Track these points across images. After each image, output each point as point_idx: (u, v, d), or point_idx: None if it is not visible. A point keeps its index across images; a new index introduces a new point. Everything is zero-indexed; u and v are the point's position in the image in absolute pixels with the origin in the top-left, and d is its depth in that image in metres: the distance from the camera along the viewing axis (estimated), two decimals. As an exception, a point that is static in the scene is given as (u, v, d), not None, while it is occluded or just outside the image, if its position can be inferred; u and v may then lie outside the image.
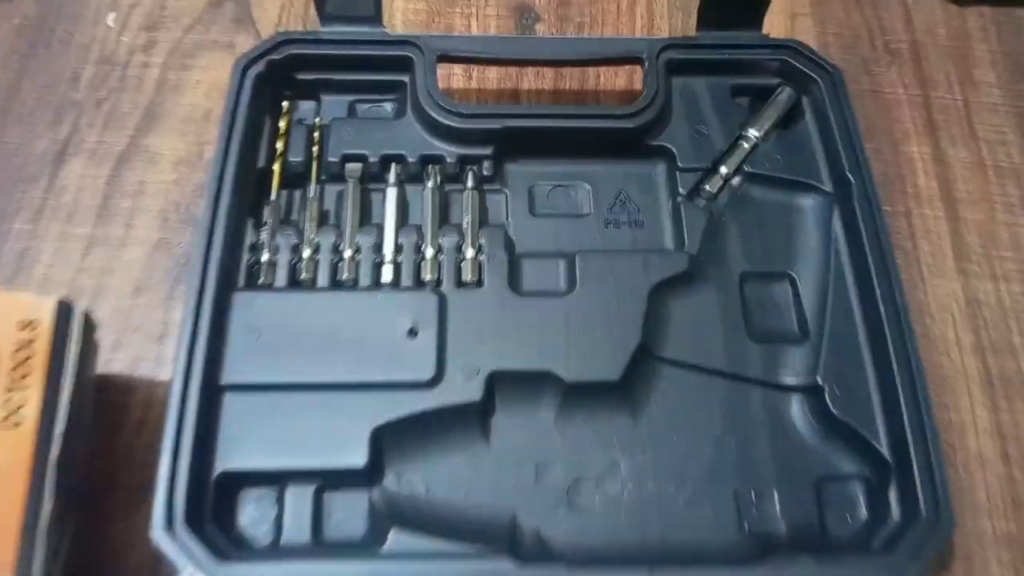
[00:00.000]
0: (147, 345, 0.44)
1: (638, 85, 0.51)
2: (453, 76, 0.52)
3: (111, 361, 0.43)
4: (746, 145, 0.47)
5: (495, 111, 0.46)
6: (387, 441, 0.39)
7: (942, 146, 0.51)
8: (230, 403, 0.38)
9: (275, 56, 0.46)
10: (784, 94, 0.49)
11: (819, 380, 0.41)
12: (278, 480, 0.38)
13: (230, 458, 0.37)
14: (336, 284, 0.43)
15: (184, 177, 0.48)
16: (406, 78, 0.47)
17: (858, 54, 0.55)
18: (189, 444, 0.36)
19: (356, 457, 0.37)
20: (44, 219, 0.47)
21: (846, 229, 0.45)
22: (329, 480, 0.38)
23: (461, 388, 0.39)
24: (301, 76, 0.47)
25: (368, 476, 0.38)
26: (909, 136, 0.52)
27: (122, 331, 0.44)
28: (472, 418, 0.39)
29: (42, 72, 0.52)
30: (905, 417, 0.38)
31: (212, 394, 0.38)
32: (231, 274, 0.41)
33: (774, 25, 0.53)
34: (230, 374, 0.39)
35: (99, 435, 0.40)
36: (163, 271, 0.45)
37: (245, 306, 0.40)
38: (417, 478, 0.39)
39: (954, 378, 0.44)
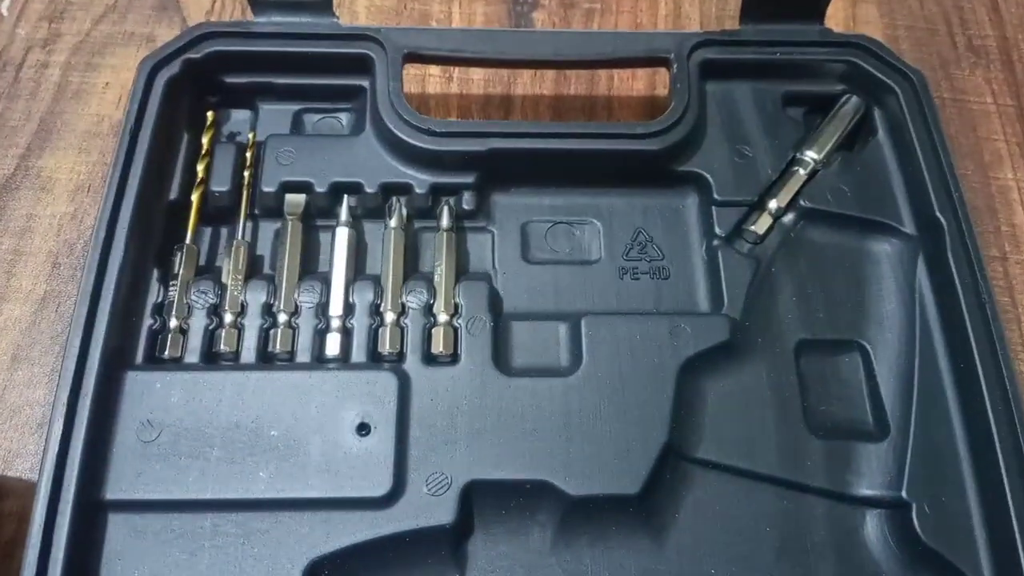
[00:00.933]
0: (24, 436, 0.34)
1: (661, 89, 0.41)
2: (429, 78, 0.41)
3: (-22, 456, 0.33)
4: (802, 172, 0.37)
5: (479, 128, 0.36)
6: (328, 578, 0.29)
7: (1045, 172, 0.41)
8: (116, 526, 0.29)
9: (193, 54, 0.35)
10: (850, 104, 0.38)
11: (903, 494, 0.31)
12: (179, 631, 0.28)
13: (114, 603, 0.28)
14: (266, 359, 0.32)
15: (83, 208, 0.38)
16: (365, 82, 0.37)
17: (934, 52, 0.44)
18: (57, 584, 0.27)
19: (285, 602, 0.28)
20: (-97, 261, 0.37)
21: (935, 282, 0.35)
22: (249, 630, 0.28)
23: (427, 506, 0.30)
24: (230, 79, 0.37)
25: (300, 626, 0.29)
26: (1001, 159, 0.41)
27: (-6, 414, 0.34)
28: (442, 545, 0.30)
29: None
30: (1021, 548, 0.28)
31: (90, 514, 0.29)
32: (125, 346, 0.31)
33: (830, 14, 0.43)
34: (117, 487, 0.29)
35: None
36: (49, 336, 0.36)
37: (141, 391, 0.30)
38: (368, 623, 0.30)
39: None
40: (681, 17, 0.44)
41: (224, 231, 0.36)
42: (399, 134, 0.35)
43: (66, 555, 0.27)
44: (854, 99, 0.38)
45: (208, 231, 0.35)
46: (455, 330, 0.33)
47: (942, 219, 0.34)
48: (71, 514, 0.28)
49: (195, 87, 0.36)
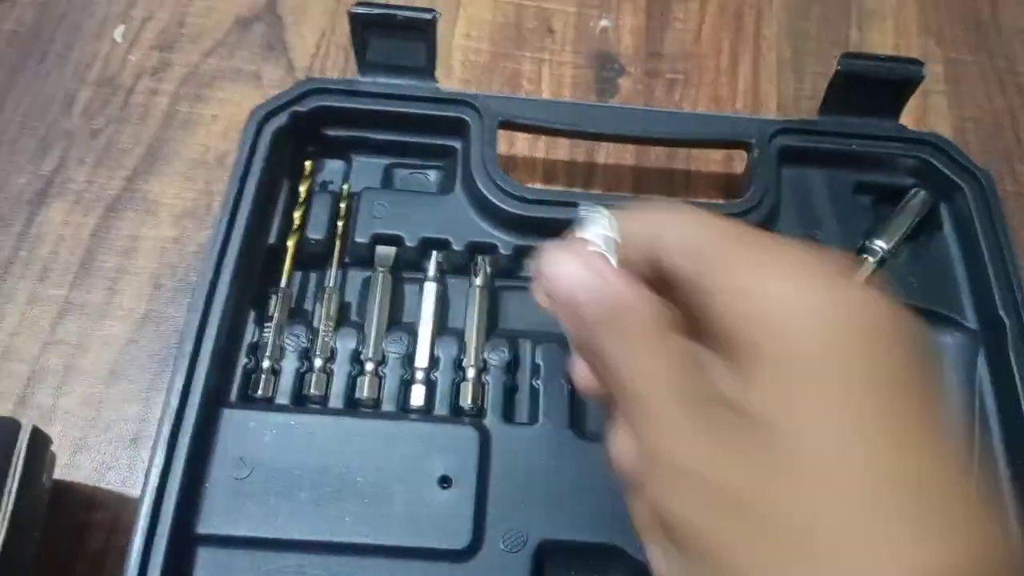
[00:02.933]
0: (117, 449, 0.35)
1: (738, 166, 0.42)
2: (517, 140, 0.43)
3: (72, 467, 0.35)
4: (871, 260, 0.38)
5: (565, 198, 0.37)
6: (402, 624, 0.30)
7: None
8: (205, 561, 0.30)
9: (300, 108, 0.37)
10: (918, 199, 0.40)
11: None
12: (259, 666, 0.29)
13: (201, 634, 0.29)
14: (352, 405, 0.34)
15: (186, 235, 0.40)
16: (458, 144, 0.39)
17: (1000, 146, 0.46)
18: (151, 615, 0.28)
19: (361, 645, 0.29)
20: (12, 275, 0.39)
21: (996, 378, 0.36)
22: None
23: (503, 562, 0.31)
24: (330, 132, 0.39)
25: (376, 667, 0.30)
26: (1066, 257, 0.42)
27: (89, 428, 0.36)
28: None
29: (30, 91, 0.44)
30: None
31: (183, 547, 0.30)
32: (222, 385, 0.33)
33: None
34: (209, 522, 0.30)
35: (50, 563, 0.32)
36: (146, 354, 0.37)
37: (236, 429, 0.32)
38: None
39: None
40: (760, 93, 0.46)
41: (314, 277, 0.37)
42: (490, 196, 0.37)
43: (159, 584, 0.29)
44: (922, 194, 0.40)
45: (299, 276, 0.37)
46: (535, 390, 0.35)
47: (1005, 317, 0.36)
48: (166, 546, 0.29)
49: (298, 137, 0.38)
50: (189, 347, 0.32)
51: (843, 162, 0.40)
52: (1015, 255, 0.37)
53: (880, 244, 0.39)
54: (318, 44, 0.46)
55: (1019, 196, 0.44)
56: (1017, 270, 0.37)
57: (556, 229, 0.37)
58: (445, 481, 0.32)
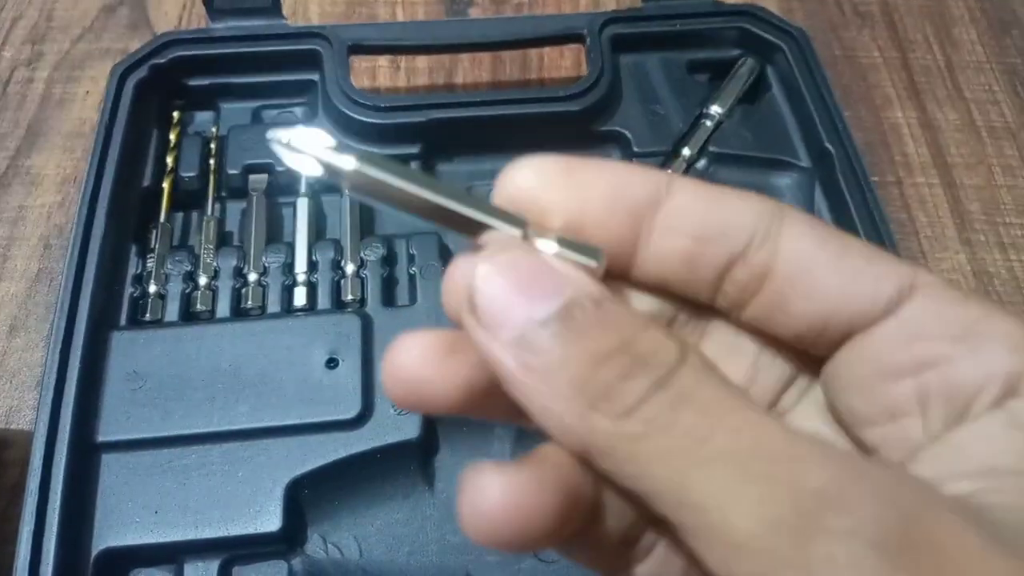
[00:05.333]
0: (24, 393, 0.37)
1: (586, 69, 0.46)
2: (379, 70, 0.46)
3: (-19, 417, 0.36)
4: (709, 124, 0.42)
5: (419, 102, 0.40)
6: (307, 497, 0.32)
7: (928, 109, 0.46)
8: (109, 465, 0.32)
9: (159, 60, 0.40)
10: (745, 67, 0.43)
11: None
12: (174, 556, 0.31)
13: (112, 533, 0.31)
14: (239, 314, 0.36)
15: (70, 198, 0.42)
16: (315, 76, 0.41)
17: (825, 19, 0.50)
18: (58, 518, 0.30)
19: (269, 520, 0.31)
20: (-94, 258, 0.40)
21: (832, 206, 0.39)
22: (237, 551, 0.31)
23: (394, 424, 0.33)
24: (193, 82, 0.41)
25: (285, 541, 0.32)
26: (891, 101, 0.46)
27: (-6, 379, 0.37)
28: (410, 460, 0.33)
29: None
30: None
31: (86, 455, 0.31)
32: (109, 311, 0.35)
33: (731, -6, 0.48)
34: (108, 430, 0.32)
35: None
36: (43, 307, 0.39)
37: (126, 347, 0.33)
38: (347, 539, 0.33)
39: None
40: (599, 7, 0.50)
41: (195, 215, 0.40)
42: (348, 112, 0.39)
43: (64, 493, 0.30)
44: (749, 61, 0.43)
45: (180, 216, 0.39)
46: (412, 277, 0.37)
47: (831, 148, 0.39)
48: (67, 455, 0.30)
49: (162, 90, 0.41)
50: (71, 277, 0.34)
51: (672, 44, 0.43)
52: (834, 96, 0.40)
53: (715, 109, 0.42)
54: (180, 17, 0.48)
55: (847, 58, 0.48)
56: (839, 108, 0.40)
57: (415, 134, 0.40)
58: (331, 362, 0.34)
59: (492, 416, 0.16)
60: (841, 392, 0.16)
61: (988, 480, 0.13)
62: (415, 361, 0.15)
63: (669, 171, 0.40)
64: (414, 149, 0.40)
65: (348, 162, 0.15)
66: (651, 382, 0.13)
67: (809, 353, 0.16)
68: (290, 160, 0.15)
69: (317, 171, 0.15)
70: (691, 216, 0.15)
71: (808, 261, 0.15)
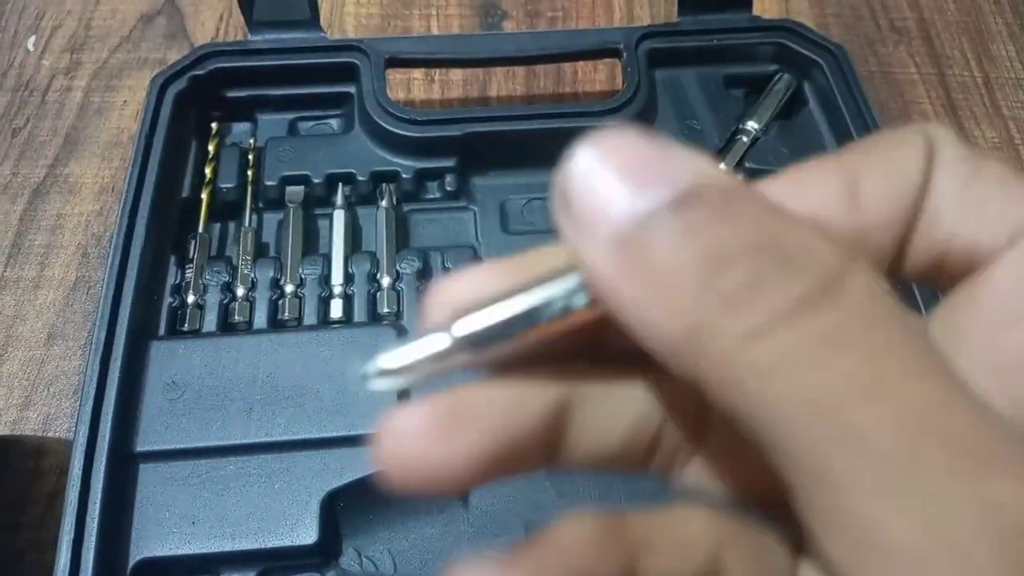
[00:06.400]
0: (61, 401, 0.37)
1: (621, 83, 0.46)
2: (413, 83, 0.46)
3: (20, 421, 0.37)
4: (745, 139, 0.41)
5: (455, 115, 0.40)
6: (343, 510, 0.32)
7: (966, 127, 0.45)
8: (147, 475, 0.32)
9: (198, 71, 0.40)
10: (782, 82, 0.43)
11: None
12: (210, 567, 0.31)
13: (149, 543, 0.31)
14: (276, 325, 0.36)
15: (108, 207, 0.42)
16: (352, 88, 0.42)
17: (861, 34, 0.49)
18: (96, 528, 0.30)
19: (305, 533, 0.31)
20: (-53, 264, 0.41)
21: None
22: (273, 563, 0.31)
23: (428, 440, 0.32)
24: (231, 94, 0.41)
25: (321, 554, 0.32)
26: (928, 117, 0.46)
27: (33, 386, 0.37)
28: None
29: (-49, 105, 0.46)
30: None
31: (124, 465, 0.32)
32: (148, 321, 0.35)
33: (766, 10, 0.48)
34: (146, 440, 0.32)
35: (4, 508, 0.34)
36: (81, 315, 0.39)
37: (164, 357, 0.34)
38: (382, 553, 0.33)
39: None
40: (633, 20, 0.50)
41: (232, 226, 0.40)
42: (384, 125, 0.39)
43: (103, 503, 0.30)
44: (786, 76, 0.43)
45: (218, 227, 0.39)
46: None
47: (871, 167, 0.39)
48: (106, 465, 0.31)
49: (201, 101, 0.41)
50: (112, 287, 0.34)
51: (709, 59, 0.43)
52: (873, 112, 0.40)
53: (752, 125, 0.42)
54: (217, 27, 0.49)
55: (883, 74, 0.48)
56: (878, 125, 0.40)
57: (450, 147, 0.40)
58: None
59: (515, 474, 0.14)
60: (952, 353, 0.12)
61: None
62: (417, 442, 0.12)
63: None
64: (450, 163, 0.40)
65: (444, 340, 0.13)
66: (797, 296, 0.10)
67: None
68: (394, 383, 0.13)
69: (431, 372, 0.13)
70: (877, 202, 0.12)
71: (938, 190, 0.12)
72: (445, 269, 0.38)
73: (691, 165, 0.11)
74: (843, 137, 0.40)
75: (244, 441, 0.32)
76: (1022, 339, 0.12)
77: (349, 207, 0.40)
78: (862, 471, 0.10)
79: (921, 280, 0.13)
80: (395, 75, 0.45)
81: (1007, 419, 0.11)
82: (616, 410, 0.13)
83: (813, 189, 0.12)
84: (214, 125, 0.41)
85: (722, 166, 0.40)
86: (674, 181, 0.11)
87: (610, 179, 0.11)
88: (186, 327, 0.36)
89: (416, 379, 0.13)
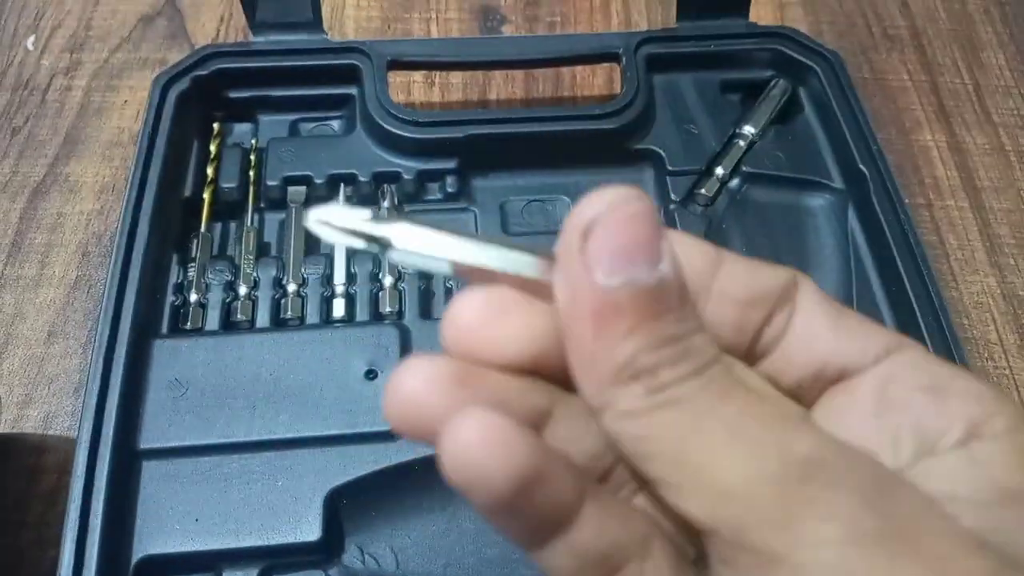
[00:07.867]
0: (62, 399, 0.37)
1: (619, 87, 0.46)
2: (413, 85, 0.46)
3: (21, 419, 0.37)
4: (742, 143, 0.42)
5: (457, 117, 0.41)
6: (345, 507, 0.32)
7: (958, 133, 0.46)
8: (150, 472, 0.32)
9: (200, 72, 0.40)
10: (778, 88, 0.44)
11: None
12: (213, 564, 0.31)
13: (152, 540, 0.31)
14: (279, 324, 0.36)
15: (108, 206, 0.42)
16: (353, 90, 0.42)
17: (855, 42, 0.50)
18: (100, 525, 0.30)
19: (308, 530, 0.31)
20: (-54, 263, 0.41)
21: (865, 228, 0.40)
22: (276, 560, 0.31)
23: (430, 438, 0.33)
24: (233, 94, 0.42)
25: (324, 552, 0.32)
26: (920, 124, 0.47)
27: (33, 384, 0.37)
28: None
29: (-51, 105, 0.46)
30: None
31: (128, 462, 0.32)
32: (151, 319, 0.35)
33: (762, 17, 0.49)
34: (150, 437, 0.32)
35: (5, 506, 0.34)
36: (81, 313, 0.39)
37: (167, 355, 0.34)
38: (384, 550, 0.33)
39: (1002, 384, 0.38)
40: (631, 25, 0.50)
41: (234, 225, 0.40)
42: (386, 126, 0.40)
43: (106, 500, 0.30)
44: (781, 82, 0.44)
45: (220, 227, 0.39)
46: (449, 291, 0.37)
47: (864, 170, 0.39)
48: (109, 463, 0.31)
49: (203, 101, 0.41)
50: (115, 286, 0.34)
51: (706, 64, 0.44)
52: (868, 118, 0.41)
53: (748, 129, 0.42)
54: (217, 28, 0.49)
55: (876, 81, 0.49)
56: (872, 130, 0.41)
57: (452, 149, 0.40)
58: (370, 374, 0.34)
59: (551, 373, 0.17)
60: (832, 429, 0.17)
61: (948, 506, 0.14)
62: (422, 386, 0.15)
63: (701, 191, 0.41)
64: (451, 164, 0.40)
65: (387, 231, 0.15)
66: (690, 370, 0.15)
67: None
68: (330, 236, 0.16)
69: (359, 244, 0.16)
70: (739, 283, 0.17)
71: (814, 321, 0.17)
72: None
73: (672, 258, 0.15)
74: (838, 142, 0.41)
75: (247, 439, 0.32)
76: (883, 425, 0.16)
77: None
78: (709, 447, 0.14)
79: (795, 393, 0.17)
80: (395, 78, 0.45)
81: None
82: (584, 433, 0.17)
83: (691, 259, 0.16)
84: (216, 125, 0.41)
85: (720, 170, 0.41)
86: (658, 261, 0.14)
87: (628, 240, 0.14)
88: (188, 325, 0.36)
89: (342, 241, 0.16)
